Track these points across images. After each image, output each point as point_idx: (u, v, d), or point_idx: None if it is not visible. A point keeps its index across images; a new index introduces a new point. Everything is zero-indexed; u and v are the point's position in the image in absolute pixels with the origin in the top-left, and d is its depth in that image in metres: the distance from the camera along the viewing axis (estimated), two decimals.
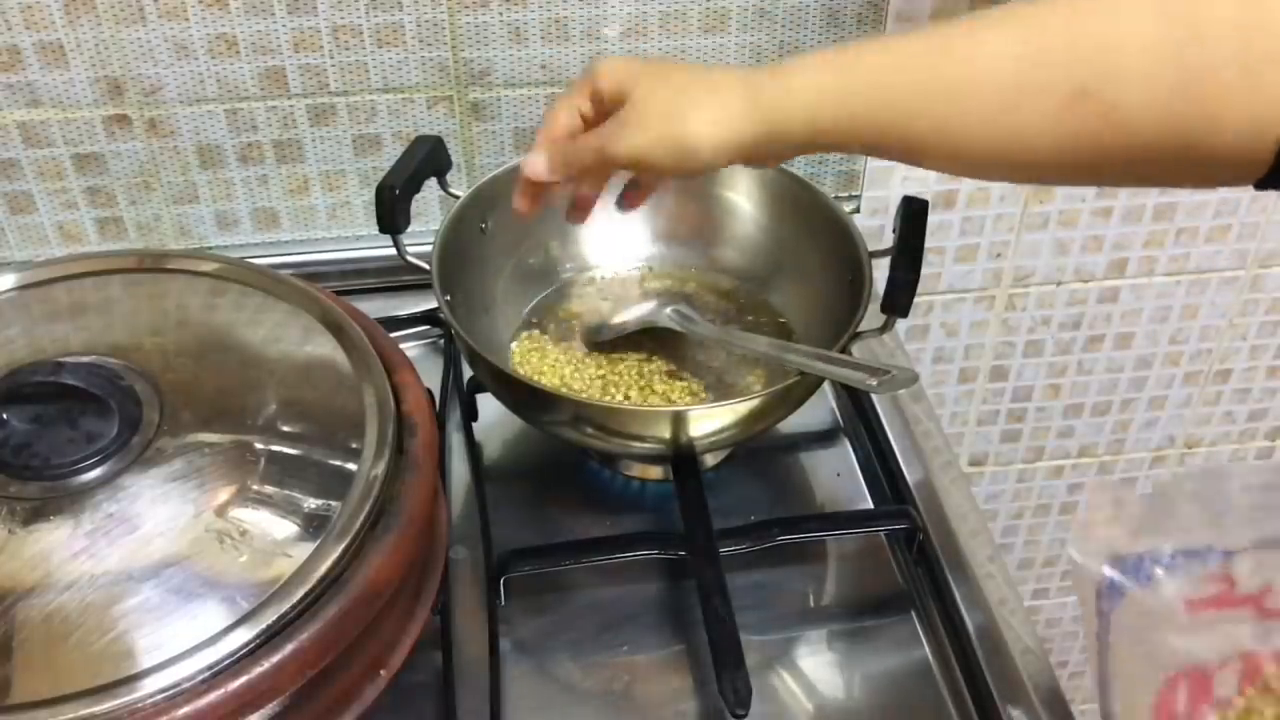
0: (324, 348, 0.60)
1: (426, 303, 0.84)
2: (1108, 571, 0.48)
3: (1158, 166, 0.47)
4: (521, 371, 0.74)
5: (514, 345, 0.78)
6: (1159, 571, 0.47)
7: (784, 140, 0.54)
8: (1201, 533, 0.48)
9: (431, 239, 0.71)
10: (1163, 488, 0.50)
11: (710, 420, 0.65)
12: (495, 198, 0.77)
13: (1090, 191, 0.98)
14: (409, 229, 0.71)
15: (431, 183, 0.73)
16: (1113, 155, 0.46)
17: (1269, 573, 0.47)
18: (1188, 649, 0.47)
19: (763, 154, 0.56)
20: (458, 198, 0.75)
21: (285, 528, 0.51)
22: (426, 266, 0.69)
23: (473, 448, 0.75)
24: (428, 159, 0.72)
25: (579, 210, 0.68)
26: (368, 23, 0.79)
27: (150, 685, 0.44)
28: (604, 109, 0.58)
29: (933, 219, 0.67)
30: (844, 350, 0.68)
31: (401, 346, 0.62)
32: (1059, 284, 1.04)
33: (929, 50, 0.50)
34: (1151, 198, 0.99)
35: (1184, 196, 0.99)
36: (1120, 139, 0.46)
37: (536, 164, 0.60)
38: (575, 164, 0.60)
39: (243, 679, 0.46)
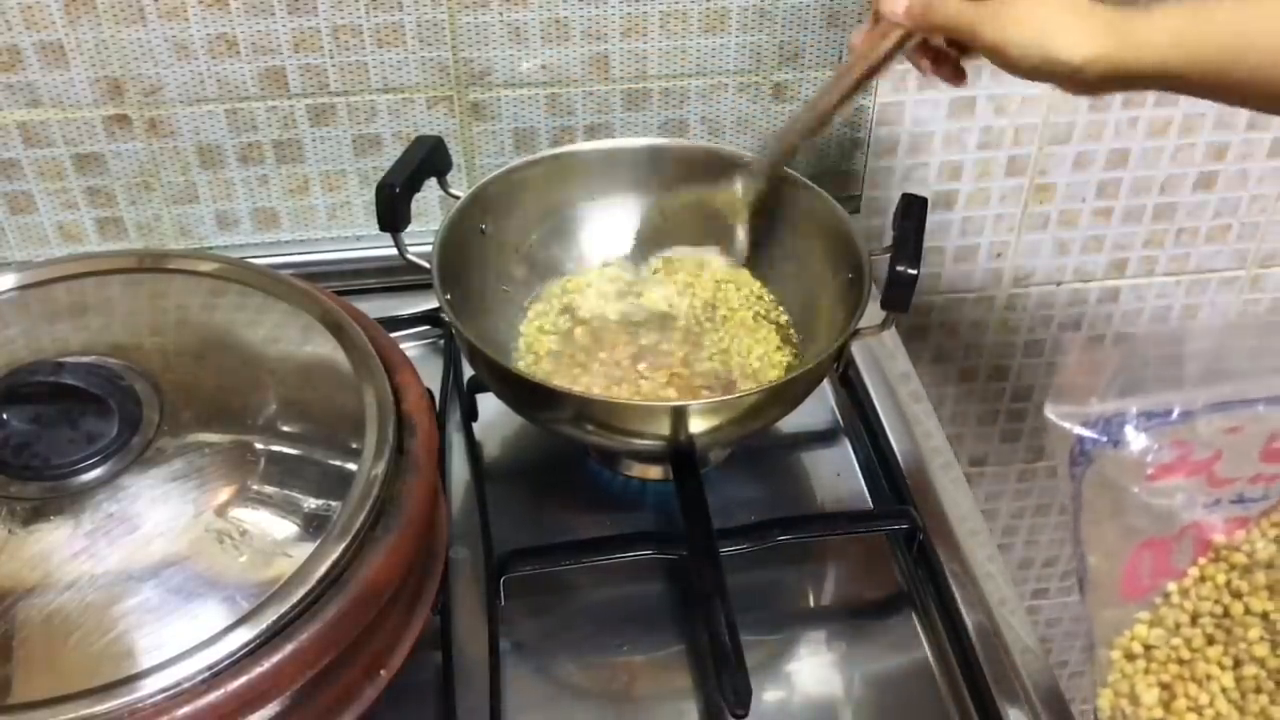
0: (324, 348, 0.60)
1: (426, 303, 0.84)
2: (1079, 431, 0.48)
3: None
4: (524, 362, 0.75)
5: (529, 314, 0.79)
6: (1127, 431, 0.48)
7: (1131, 72, 0.55)
8: (1165, 394, 0.48)
9: (431, 239, 0.71)
10: (1133, 347, 0.50)
11: (710, 416, 0.65)
12: (495, 198, 0.77)
13: (1090, 191, 0.98)
14: (410, 228, 0.71)
15: (431, 182, 0.73)
16: None
17: (1218, 439, 0.47)
18: (1152, 517, 0.48)
19: (1109, 81, 0.57)
20: (458, 198, 0.75)
21: (285, 528, 0.51)
22: (427, 266, 0.69)
23: (473, 448, 0.75)
24: (428, 159, 0.72)
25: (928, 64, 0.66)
26: (368, 23, 0.79)
27: (150, 685, 0.44)
28: None
29: (933, 219, 0.68)
30: (844, 351, 0.68)
31: (401, 346, 0.62)
32: (1059, 284, 1.04)
33: None
34: (1152, 198, 0.99)
35: (1184, 196, 0.99)
36: None
37: (895, 4, 0.61)
38: (930, 23, 0.60)
39: (243, 679, 0.46)
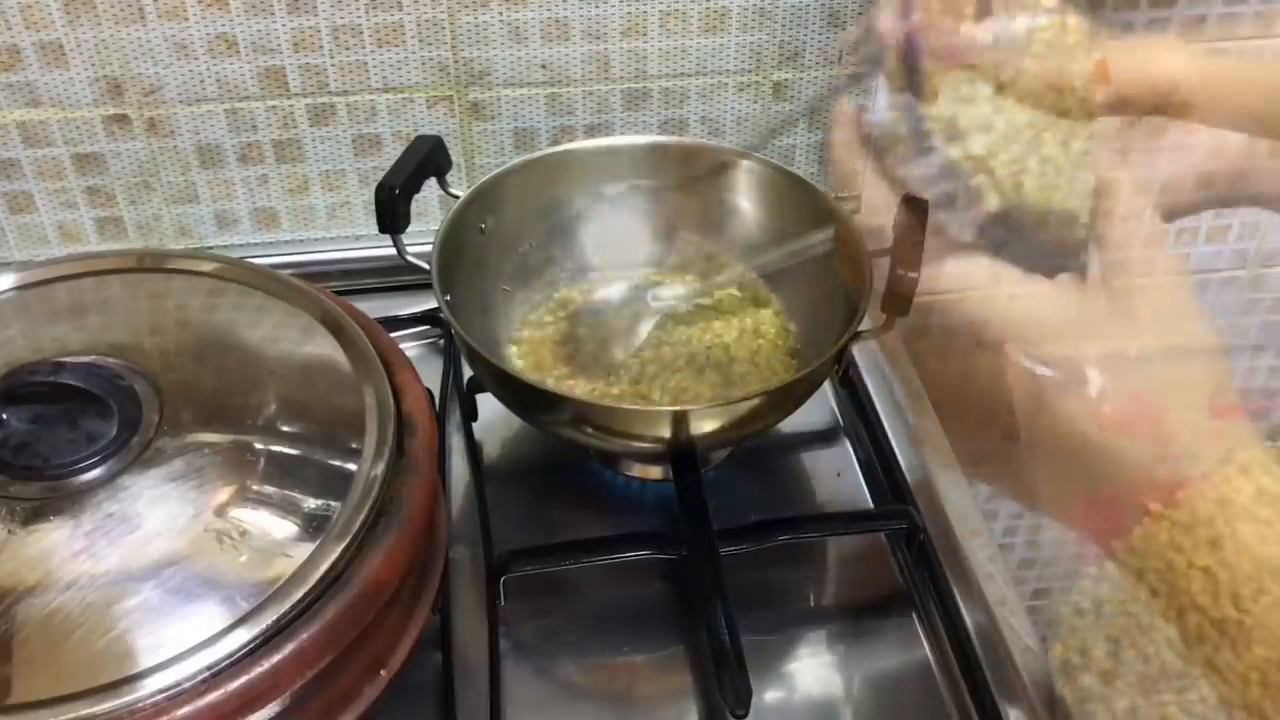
0: (324, 348, 0.60)
1: (426, 303, 0.84)
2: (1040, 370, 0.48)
3: None
4: (523, 364, 0.75)
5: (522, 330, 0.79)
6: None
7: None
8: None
9: (431, 239, 0.71)
10: None
11: (711, 419, 0.65)
12: (495, 198, 0.77)
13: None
14: (410, 228, 0.71)
15: (431, 182, 0.73)
16: None
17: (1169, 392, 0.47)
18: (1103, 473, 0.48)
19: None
20: (458, 198, 0.75)
21: (285, 528, 0.51)
22: (426, 266, 0.69)
23: (473, 448, 0.75)
24: (428, 159, 0.72)
25: None
26: (368, 23, 0.79)
27: (150, 685, 0.44)
28: None
29: (933, 219, 0.67)
30: (843, 351, 0.67)
31: (401, 346, 0.62)
32: None
33: None
34: (1151, 198, 0.99)
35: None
36: None
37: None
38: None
39: (243, 679, 0.45)
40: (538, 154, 0.79)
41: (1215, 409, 0.47)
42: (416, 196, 0.71)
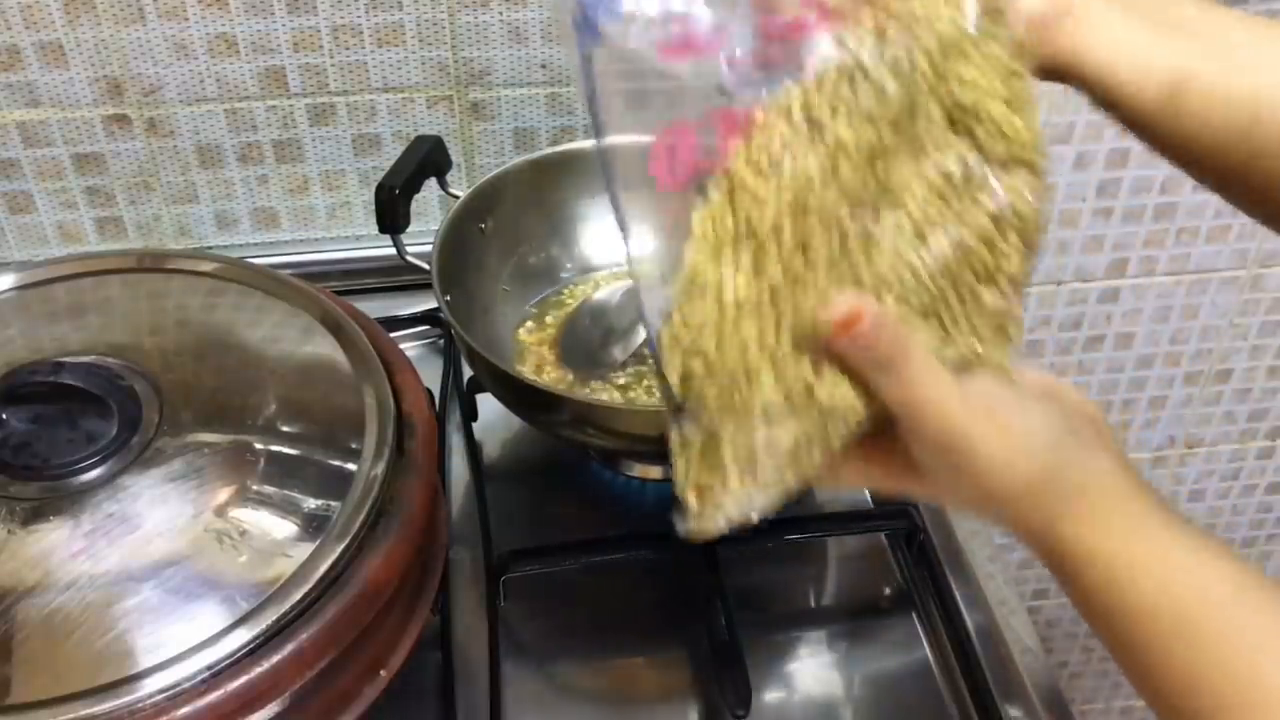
0: (324, 348, 0.60)
1: (426, 303, 0.84)
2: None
3: None
4: (523, 364, 0.74)
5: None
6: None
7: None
8: None
9: (431, 239, 0.71)
10: None
11: None
12: (495, 198, 0.77)
13: (1090, 191, 0.98)
14: (410, 228, 0.71)
15: (432, 182, 0.73)
16: None
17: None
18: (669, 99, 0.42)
19: None
20: (457, 198, 0.75)
21: (285, 528, 0.51)
22: (426, 266, 0.69)
23: (473, 448, 0.75)
24: (427, 159, 0.72)
25: None
26: (368, 22, 0.79)
27: (150, 685, 0.44)
28: None
29: None
30: None
31: (401, 346, 0.62)
32: (1059, 284, 1.04)
33: None
34: (1152, 198, 0.99)
35: (1184, 196, 0.99)
36: None
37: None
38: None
39: (243, 679, 0.46)
40: (537, 154, 0.79)
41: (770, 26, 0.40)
42: (416, 196, 0.71)
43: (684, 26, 0.41)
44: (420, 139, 0.73)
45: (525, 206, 0.79)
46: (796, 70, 0.39)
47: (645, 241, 0.43)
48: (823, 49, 0.39)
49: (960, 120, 0.41)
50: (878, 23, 0.39)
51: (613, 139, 0.43)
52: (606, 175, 0.43)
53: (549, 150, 0.80)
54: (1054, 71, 0.49)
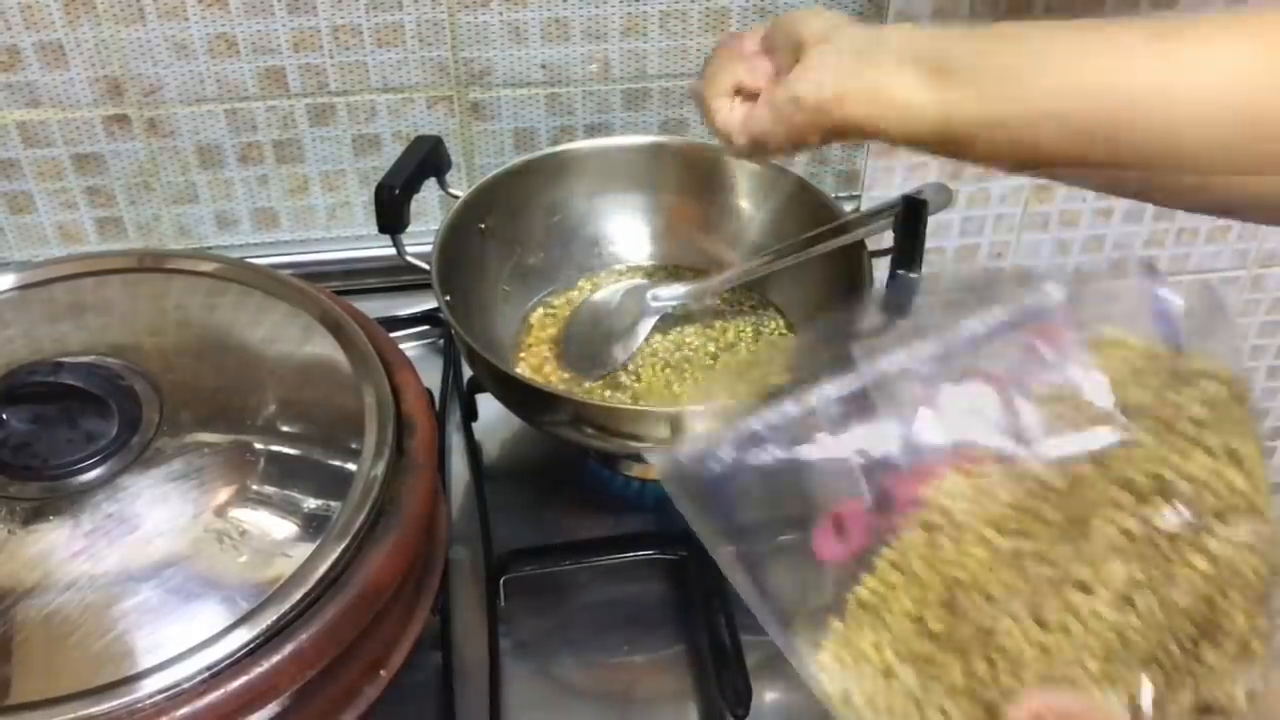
0: (324, 348, 0.60)
1: (426, 303, 0.84)
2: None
3: None
4: (523, 364, 0.74)
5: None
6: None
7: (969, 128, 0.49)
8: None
9: (432, 239, 0.71)
10: None
11: (709, 419, 0.65)
12: (494, 198, 0.77)
13: (1090, 191, 0.98)
14: (410, 228, 0.71)
15: (432, 182, 0.73)
16: None
17: None
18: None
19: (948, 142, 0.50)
20: (457, 198, 0.75)
21: (285, 528, 0.51)
22: (426, 266, 0.69)
23: (473, 448, 0.75)
24: (427, 159, 0.72)
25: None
26: (368, 23, 0.79)
27: (150, 685, 0.44)
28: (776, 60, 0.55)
29: (933, 219, 0.67)
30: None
31: (401, 346, 0.62)
32: None
33: (1132, 49, 0.44)
34: None
35: None
36: None
37: (739, 148, 0.56)
38: (779, 131, 0.54)
39: (243, 679, 0.45)
40: (537, 154, 0.80)
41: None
42: (417, 196, 0.71)
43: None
44: (420, 139, 0.73)
45: (524, 207, 0.79)
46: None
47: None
48: None
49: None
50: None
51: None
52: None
53: (548, 150, 0.80)
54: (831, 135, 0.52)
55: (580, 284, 0.82)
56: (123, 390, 0.54)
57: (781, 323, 0.79)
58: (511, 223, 0.78)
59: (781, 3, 0.82)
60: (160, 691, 0.44)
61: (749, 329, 0.78)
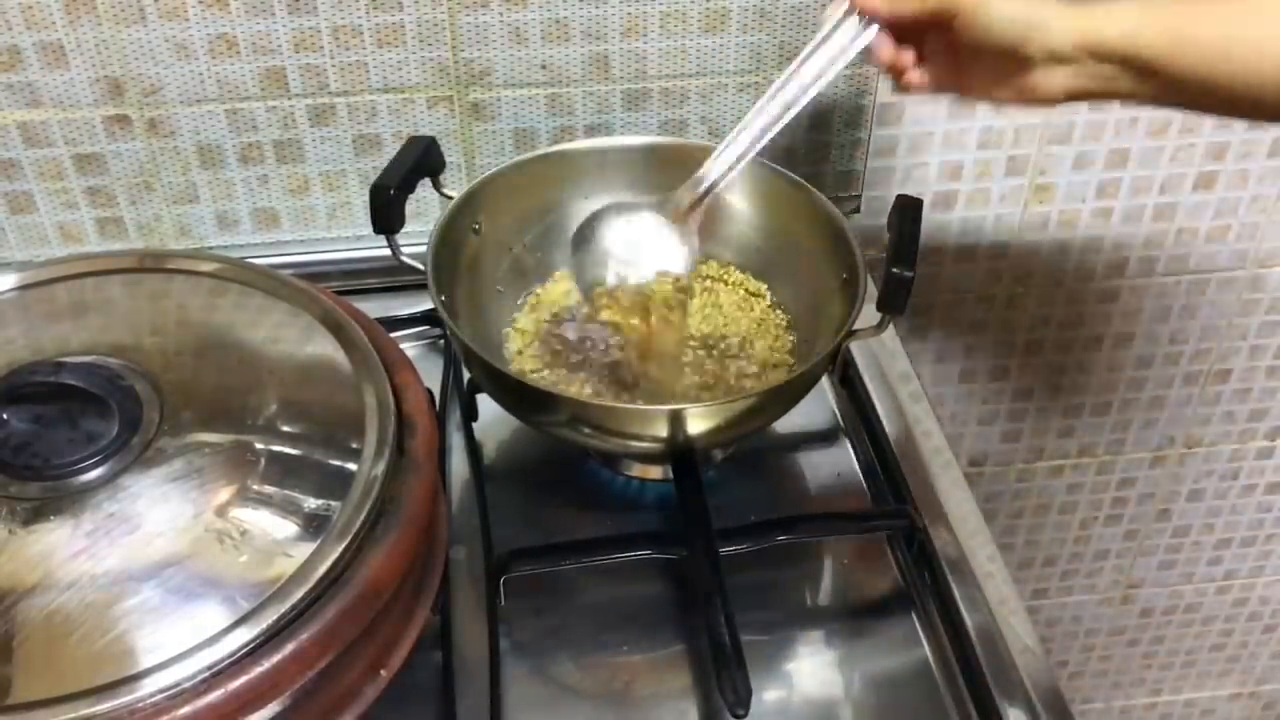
0: (324, 348, 0.60)
1: (426, 303, 0.84)
2: None
3: None
4: (520, 364, 0.74)
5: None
6: None
7: (1112, 54, 0.57)
8: None
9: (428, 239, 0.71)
10: None
11: (707, 419, 0.65)
12: (489, 198, 0.77)
13: (1090, 192, 0.98)
14: (409, 229, 0.71)
15: (430, 183, 0.73)
16: None
17: None
18: None
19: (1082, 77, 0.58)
20: (452, 198, 0.75)
21: (285, 528, 0.51)
22: (422, 267, 0.69)
23: (473, 448, 0.75)
24: (422, 160, 0.72)
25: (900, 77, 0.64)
26: (368, 23, 0.79)
27: (150, 685, 0.44)
28: None
29: (933, 219, 0.68)
30: (839, 349, 0.68)
31: (401, 346, 0.62)
32: (1059, 284, 1.04)
33: None
34: (1152, 198, 0.99)
35: (1184, 196, 0.99)
36: None
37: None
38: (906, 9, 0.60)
39: (243, 679, 0.46)
40: (529, 155, 0.80)
41: None
42: (417, 197, 0.71)
43: None
44: (414, 139, 0.73)
45: (519, 207, 0.79)
46: None
47: None
48: None
49: None
50: None
51: None
52: None
53: (542, 151, 0.80)
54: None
55: (564, 279, 0.81)
56: (123, 390, 0.54)
57: (778, 321, 0.79)
58: (505, 223, 0.78)
59: (782, 4, 0.82)
60: (161, 691, 0.44)
61: (747, 327, 0.78)
